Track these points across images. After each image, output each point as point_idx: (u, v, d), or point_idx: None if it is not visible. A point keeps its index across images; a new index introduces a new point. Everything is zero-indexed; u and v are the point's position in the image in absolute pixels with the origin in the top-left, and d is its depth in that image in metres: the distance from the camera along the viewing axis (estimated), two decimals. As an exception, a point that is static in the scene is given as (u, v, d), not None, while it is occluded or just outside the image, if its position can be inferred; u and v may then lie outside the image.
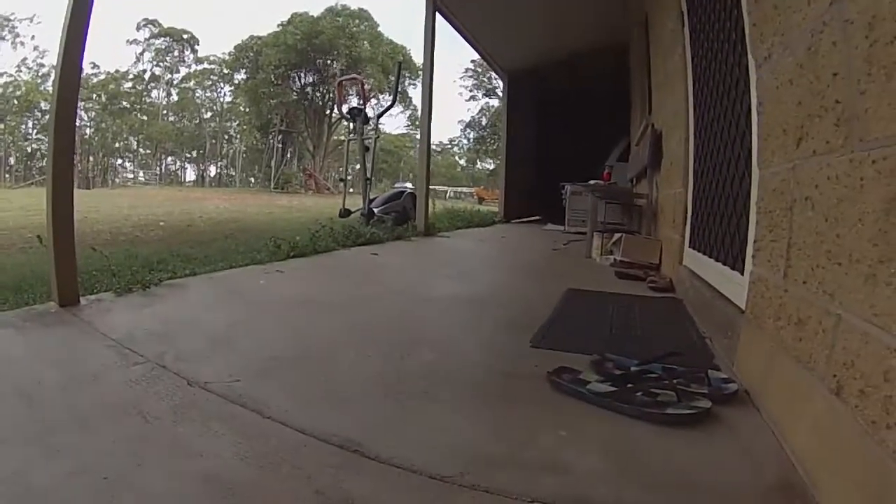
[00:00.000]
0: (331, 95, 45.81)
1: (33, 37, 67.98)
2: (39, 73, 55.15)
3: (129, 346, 2.33)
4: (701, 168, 3.51)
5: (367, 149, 7.89)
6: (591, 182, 8.13)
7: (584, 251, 5.85)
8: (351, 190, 8.64)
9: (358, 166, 8.66)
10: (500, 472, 1.36)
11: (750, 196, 2.27)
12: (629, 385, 1.73)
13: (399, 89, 9.46)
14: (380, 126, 8.43)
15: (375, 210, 7.72)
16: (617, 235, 5.06)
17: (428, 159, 7.86)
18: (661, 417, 1.59)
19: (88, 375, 2.01)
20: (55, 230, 2.95)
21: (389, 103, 9.00)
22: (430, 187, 7.99)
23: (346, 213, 7.58)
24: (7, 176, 53.47)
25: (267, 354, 2.29)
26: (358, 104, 8.68)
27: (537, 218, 11.14)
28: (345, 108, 8.52)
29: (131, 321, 2.74)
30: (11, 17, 53.14)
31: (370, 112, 8.32)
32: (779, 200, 1.77)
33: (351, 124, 8.30)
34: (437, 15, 7.75)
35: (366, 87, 8.69)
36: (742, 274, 2.30)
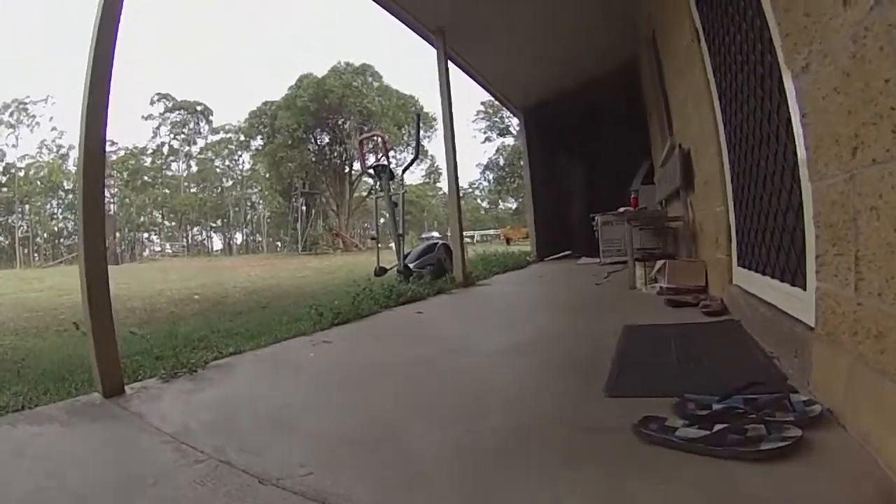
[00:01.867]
0: (348, 154, 46.60)
1: (51, 118, 70.68)
2: (59, 153, 57.69)
3: (185, 441, 2.23)
4: (740, 184, 3.45)
5: (395, 204, 7.93)
6: (621, 210, 8.08)
7: (626, 282, 5.76)
8: (379, 245, 8.65)
9: (383, 221, 8.71)
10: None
11: (802, 209, 2.21)
12: (716, 425, 1.67)
13: (420, 142, 9.52)
14: (404, 180, 8.46)
15: (411, 265, 7.70)
16: (660, 263, 4.97)
17: (459, 210, 7.82)
18: (757, 455, 1.52)
19: (147, 477, 1.89)
20: (93, 317, 2.92)
21: (412, 157, 9.10)
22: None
23: (381, 271, 7.58)
24: (35, 255, 55.03)
25: (332, 435, 2.19)
26: (380, 160, 8.76)
27: (568, 253, 11.07)
28: (369, 165, 8.60)
29: (183, 410, 2.67)
30: (26, 101, 55.17)
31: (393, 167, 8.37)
32: (840, 213, 1.71)
33: (376, 181, 8.36)
34: (450, 62, 7.78)
35: (387, 142, 8.75)
36: (805, 290, 2.24)
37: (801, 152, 2.09)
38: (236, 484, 1.79)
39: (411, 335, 4.35)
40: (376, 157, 14.81)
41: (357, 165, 46.79)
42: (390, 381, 2.97)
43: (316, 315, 4.82)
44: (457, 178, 7.75)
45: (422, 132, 46.81)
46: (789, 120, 2.28)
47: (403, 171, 8.43)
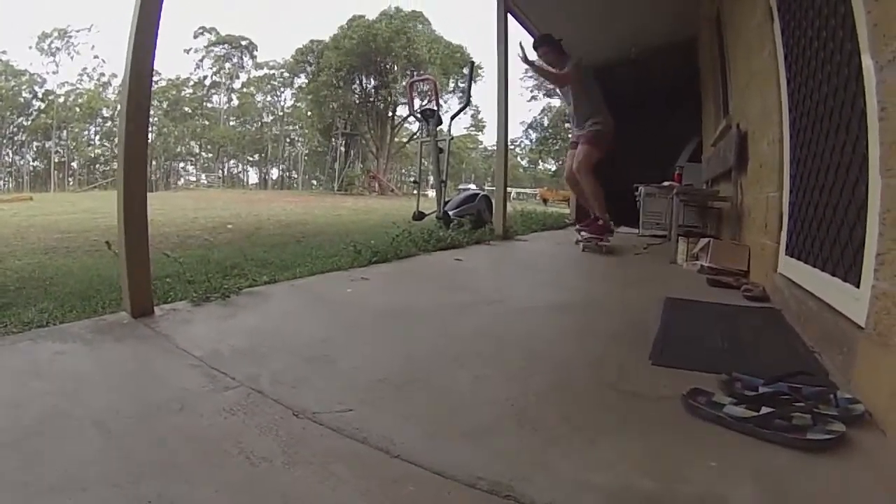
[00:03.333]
0: (392, 99, 46.21)
1: (93, 46, 71.79)
2: (100, 81, 59.01)
3: (215, 366, 2.16)
4: (799, 171, 3.36)
5: (440, 150, 7.88)
6: (665, 184, 7.98)
7: (665, 255, 5.73)
8: (414, 192, 8.58)
9: (425, 166, 8.69)
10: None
11: (867, 205, 2.16)
12: (763, 408, 1.67)
13: (471, 91, 9.26)
14: (451, 127, 8.40)
15: (451, 213, 7.70)
16: (704, 240, 4.92)
17: (506, 163, 7.81)
18: (805, 444, 1.52)
19: (174, 402, 1.82)
20: (127, 236, 2.84)
21: (462, 105, 8.93)
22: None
23: (420, 215, 7.58)
24: (70, 180, 56.17)
25: (372, 376, 2.11)
26: (429, 105, 8.68)
27: (607, 219, 10.99)
28: (417, 108, 8.53)
29: (214, 335, 2.60)
30: (68, 29, 55.95)
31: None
32: (911, 212, 1.68)
33: (423, 125, 8.30)
34: (509, 16, 7.69)
35: (438, 87, 8.66)
36: (858, 287, 2.19)
37: (875, 146, 2.04)
38: (269, 415, 1.74)
39: (450, 281, 4.36)
40: (422, 103, 14.69)
41: (400, 111, 46.62)
42: (432, 326, 2.92)
43: (354, 252, 4.83)
44: (507, 132, 7.72)
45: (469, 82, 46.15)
46: (864, 112, 2.21)
47: (452, 118, 8.31)
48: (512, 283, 4.41)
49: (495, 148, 8.38)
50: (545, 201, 34.40)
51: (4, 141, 57.10)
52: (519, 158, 65.88)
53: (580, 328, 2.98)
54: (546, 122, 54.83)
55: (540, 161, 63.69)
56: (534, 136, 57.20)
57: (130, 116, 2.82)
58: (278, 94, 65.52)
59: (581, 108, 6.48)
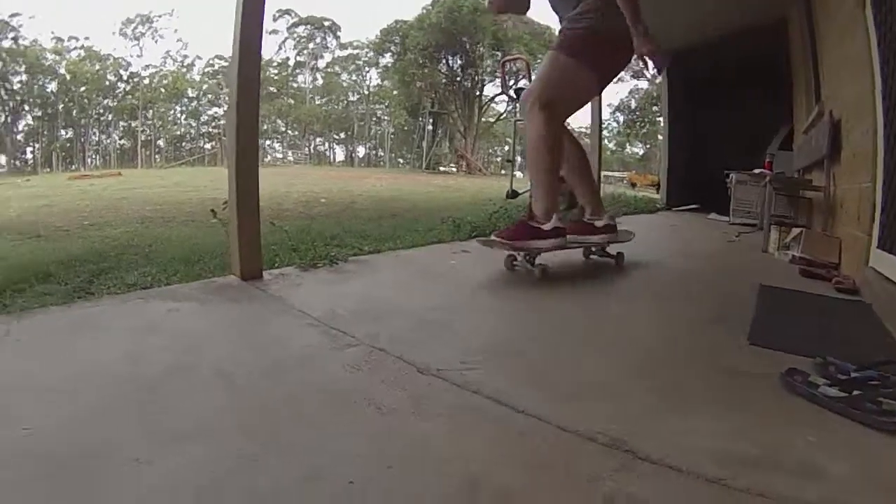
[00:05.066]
0: (479, 77, 46.12)
1: (175, 30, 75.82)
2: (184, 63, 62.69)
3: (334, 326, 2.24)
4: (893, 162, 3.32)
5: (533, 130, 7.92)
6: (756, 171, 7.83)
7: (757, 244, 5.64)
8: (503, 172, 8.60)
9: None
10: (764, 475, 1.32)
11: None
12: (854, 391, 1.76)
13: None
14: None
15: None
16: (796, 231, 4.87)
17: (600, 144, 7.94)
18: (893, 426, 1.60)
19: (295, 357, 1.92)
20: (240, 202, 2.93)
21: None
22: None
23: (513, 194, 7.65)
24: (157, 157, 58.95)
25: (486, 340, 2.20)
26: (521, 84, 8.70)
27: (696, 206, 10.81)
28: (511, 87, 8.55)
29: (327, 298, 2.68)
30: (150, 14, 59.28)
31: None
32: None
33: (516, 104, 8.34)
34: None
35: (529, 67, 8.69)
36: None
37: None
38: (393, 371, 1.83)
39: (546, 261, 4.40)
40: (506, 82, 14.65)
41: (488, 90, 46.45)
42: (529, 300, 2.99)
43: (452, 226, 4.98)
44: (600, 112, 7.85)
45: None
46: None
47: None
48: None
49: (581, 130, 8.35)
50: (633, 185, 33.74)
51: (91, 121, 60.67)
52: (606, 142, 64.73)
53: (679, 310, 3.02)
54: (633, 105, 53.74)
55: (627, 144, 62.50)
56: (621, 118, 56.19)
57: (241, 95, 2.97)
58: (363, 73, 66.21)
59: None
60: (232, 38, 2.96)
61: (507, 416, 1.57)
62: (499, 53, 42.54)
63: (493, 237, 3.46)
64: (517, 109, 8.20)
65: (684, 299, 3.29)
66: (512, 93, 8.49)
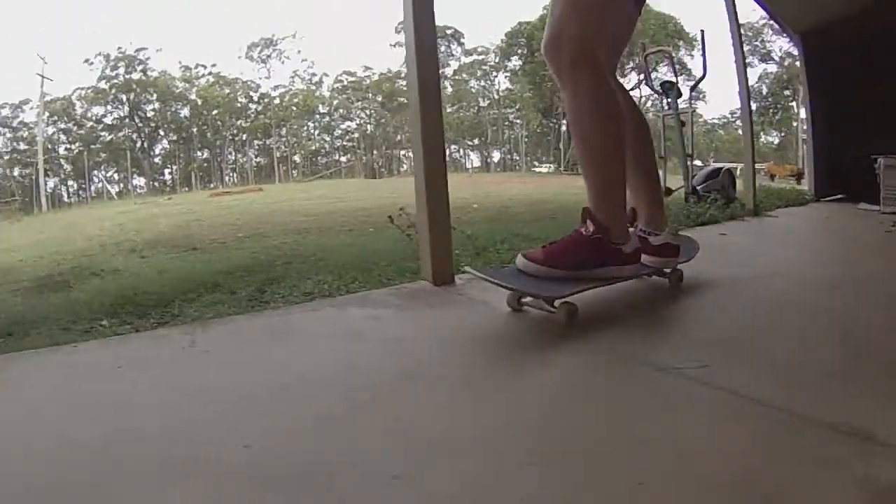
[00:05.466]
0: (612, 76, 45.59)
1: (299, 51, 78.71)
2: (312, 81, 64.53)
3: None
4: None
5: (683, 123, 7.60)
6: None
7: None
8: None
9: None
10: None
11: None
12: None
13: (706, 60, 8.78)
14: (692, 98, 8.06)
15: (698, 188, 7.39)
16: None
17: (752, 138, 7.60)
18: None
19: (531, 362, 1.85)
20: (430, 207, 2.85)
21: (701, 75, 8.50)
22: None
23: (667, 191, 7.34)
24: (294, 172, 61.98)
25: (706, 335, 2.12)
26: (667, 77, 8.39)
27: (841, 196, 10.09)
28: (656, 82, 8.25)
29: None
30: (273, 37, 61.99)
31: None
32: None
33: (663, 98, 8.02)
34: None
35: (673, 58, 8.35)
36: None
37: None
38: (629, 369, 1.82)
39: (723, 254, 4.19)
40: (649, 76, 14.33)
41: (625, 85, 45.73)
42: (741, 294, 2.84)
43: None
44: (749, 103, 7.46)
45: (682, 52, 44.32)
46: None
47: (692, 89, 7.96)
48: (781, 257, 4.20)
49: (718, 121, 7.94)
50: (773, 177, 32.20)
51: (226, 142, 64.29)
52: (740, 131, 62.15)
53: (866, 300, 2.76)
54: (764, 91, 51.33)
55: (762, 133, 59.84)
56: (753, 106, 53.98)
57: (423, 96, 2.87)
58: (491, 78, 66.61)
59: None
60: (405, 42, 2.94)
61: (753, 407, 1.51)
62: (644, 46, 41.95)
63: (522, 259, 2.32)
64: (664, 103, 7.87)
65: (866, 289, 3.02)
66: (657, 86, 8.14)
